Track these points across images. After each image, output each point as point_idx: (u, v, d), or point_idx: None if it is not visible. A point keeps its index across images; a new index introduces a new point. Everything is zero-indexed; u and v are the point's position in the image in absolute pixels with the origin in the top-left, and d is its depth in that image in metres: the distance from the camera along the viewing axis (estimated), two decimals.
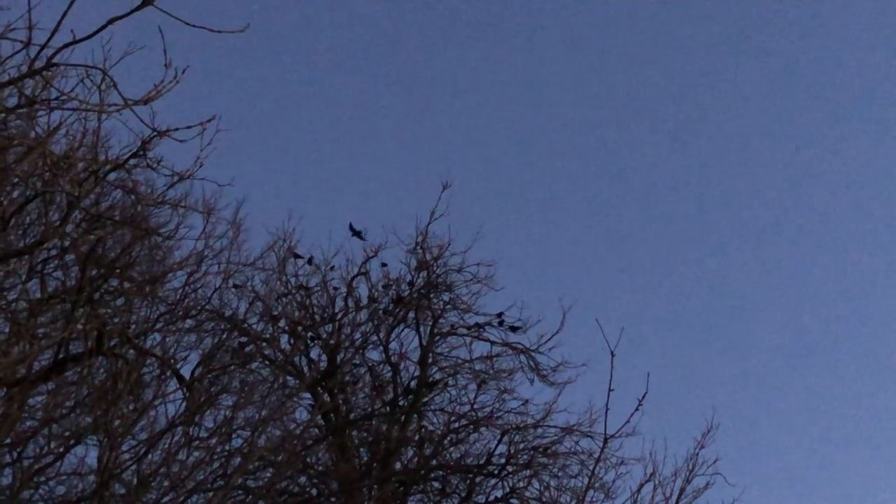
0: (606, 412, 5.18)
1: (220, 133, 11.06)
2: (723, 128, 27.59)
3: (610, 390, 5.24)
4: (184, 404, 11.59)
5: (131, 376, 10.74)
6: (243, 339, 15.28)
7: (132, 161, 11.07)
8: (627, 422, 5.30)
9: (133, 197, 11.27)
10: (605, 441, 5.27)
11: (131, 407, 11.28)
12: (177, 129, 7.21)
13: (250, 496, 14.60)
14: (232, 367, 12.91)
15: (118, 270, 11.19)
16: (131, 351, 11.45)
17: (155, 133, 10.33)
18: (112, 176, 11.60)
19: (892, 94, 27.91)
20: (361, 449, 16.07)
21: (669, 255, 25.70)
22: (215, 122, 9.83)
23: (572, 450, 15.90)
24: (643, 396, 5.31)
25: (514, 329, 16.28)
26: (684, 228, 26.40)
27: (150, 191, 11.48)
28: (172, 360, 11.85)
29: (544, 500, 15.80)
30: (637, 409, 5.30)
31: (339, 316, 16.32)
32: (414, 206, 17.07)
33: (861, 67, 27.22)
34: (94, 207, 11.18)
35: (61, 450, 12.21)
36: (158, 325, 12.65)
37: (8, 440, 11.67)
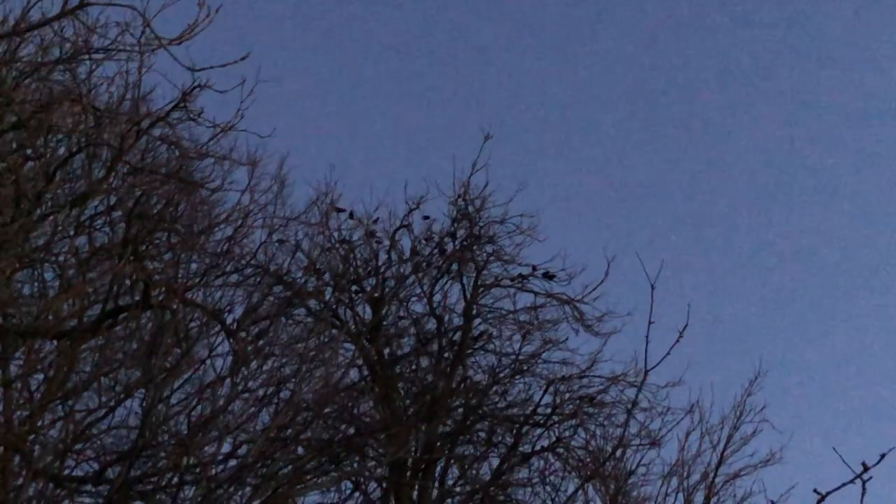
0: (647, 343, 5.16)
1: (260, 84, 11.18)
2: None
3: (650, 322, 5.23)
4: (230, 356, 11.70)
5: (178, 328, 10.84)
6: (287, 293, 15.35)
7: (174, 114, 11.12)
8: (668, 354, 5.27)
9: (177, 150, 11.30)
10: (646, 372, 5.25)
11: (178, 358, 11.40)
12: (212, 68, 7.20)
13: (298, 446, 14.76)
14: (277, 316, 12.94)
15: (164, 224, 11.24)
16: (178, 303, 11.52)
17: (195, 83, 10.43)
18: (155, 132, 11.71)
19: None
20: (407, 400, 16.14)
21: (715, 205, 25.50)
22: (254, 72, 9.87)
23: (618, 399, 15.92)
24: (684, 328, 5.29)
25: (549, 277, 16.23)
26: (732, 179, 26.18)
27: (194, 145, 11.51)
28: (219, 312, 11.92)
29: (590, 448, 15.85)
30: (678, 341, 5.28)
31: (382, 269, 16.33)
32: (456, 157, 16.89)
33: None
34: (138, 161, 11.25)
35: (112, 403, 12.38)
36: (204, 279, 12.73)
37: (59, 395, 11.83)
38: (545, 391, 16.23)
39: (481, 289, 16.54)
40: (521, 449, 16.09)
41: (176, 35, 6.93)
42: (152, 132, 11.23)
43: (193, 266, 12.46)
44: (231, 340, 11.79)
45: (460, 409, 16.24)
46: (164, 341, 11.13)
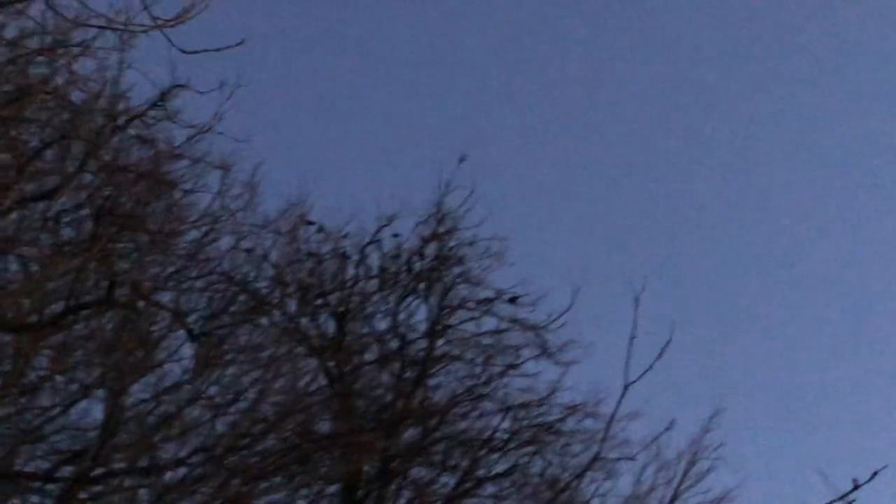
0: (628, 359, 5.16)
1: (240, 89, 11.16)
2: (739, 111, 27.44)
3: (633, 338, 5.23)
4: (192, 361, 11.57)
5: (141, 328, 10.71)
6: (252, 303, 15.24)
7: (151, 113, 11.07)
8: (650, 368, 5.26)
9: (151, 149, 11.21)
10: (626, 387, 5.23)
11: (140, 359, 11.27)
12: (206, 51, 7.14)
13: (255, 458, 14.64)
14: (240, 324, 12.83)
15: (133, 223, 11.13)
16: (142, 303, 11.41)
17: (174, 82, 10.37)
18: (131, 130, 11.61)
19: None
20: (365, 417, 16.03)
21: (682, 237, 25.55)
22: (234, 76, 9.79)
23: (576, 429, 15.91)
24: (666, 344, 5.30)
25: (513, 301, 16.22)
26: (699, 213, 26.30)
27: (169, 145, 11.42)
28: (183, 314, 11.80)
29: (546, 477, 15.80)
30: (660, 357, 5.28)
31: (348, 284, 16.25)
32: (430, 177, 16.85)
33: None
34: (112, 159, 11.14)
35: (68, 402, 12.21)
36: (170, 283, 12.61)
37: (14, 389, 11.66)
38: (504, 416, 16.21)
39: (446, 310, 16.49)
40: (476, 473, 16.05)
41: (171, 17, 6.86)
42: (128, 130, 11.14)
43: (160, 268, 12.32)
44: (194, 344, 11.68)
45: (418, 429, 16.16)
46: (126, 341, 11.01)
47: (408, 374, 16.27)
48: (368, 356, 16.36)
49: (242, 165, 12.36)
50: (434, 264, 16.45)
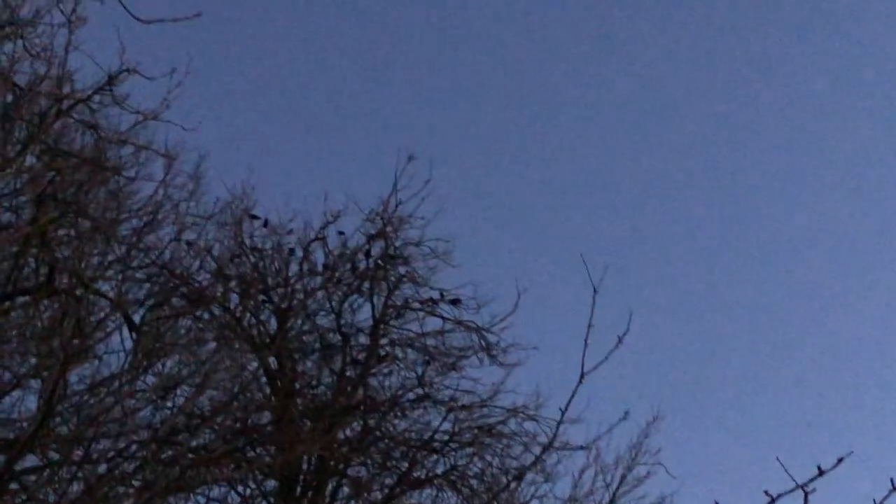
0: (585, 346, 5.11)
1: (188, 77, 11.01)
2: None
3: (590, 326, 5.19)
4: (131, 351, 11.38)
5: (80, 316, 10.51)
6: (193, 296, 15.07)
7: (97, 98, 10.88)
8: (606, 359, 5.23)
9: (95, 134, 11.02)
10: (582, 377, 5.18)
11: (77, 348, 11.04)
12: (162, 21, 7.01)
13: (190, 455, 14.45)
14: (180, 316, 12.65)
15: (75, 209, 10.93)
16: (82, 291, 11.20)
17: (122, 67, 10.20)
18: (77, 115, 11.40)
19: None
20: (305, 415, 15.90)
21: (626, 247, 25.72)
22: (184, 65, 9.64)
23: (517, 431, 15.88)
24: (624, 334, 5.25)
25: (455, 303, 16.17)
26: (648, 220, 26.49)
27: (114, 131, 11.23)
28: (123, 303, 11.61)
29: (486, 479, 15.75)
30: (617, 346, 5.24)
31: (292, 280, 16.12)
32: (377, 175, 16.74)
33: None
34: (54, 143, 10.94)
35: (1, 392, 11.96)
36: (110, 272, 12.42)
37: None
38: (444, 417, 16.16)
39: (391, 309, 16.41)
40: (415, 474, 15.96)
41: None
42: (72, 114, 10.94)
43: (101, 257, 12.11)
44: (133, 334, 11.48)
45: (358, 428, 16.06)
46: (64, 329, 10.79)
47: (349, 373, 16.18)
48: (310, 353, 16.25)
49: (188, 155, 12.17)
50: (379, 263, 16.36)
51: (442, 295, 16.40)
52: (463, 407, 16.15)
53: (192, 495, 14.12)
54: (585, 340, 5.13)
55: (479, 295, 16.24)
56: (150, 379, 12.35)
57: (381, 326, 16.26)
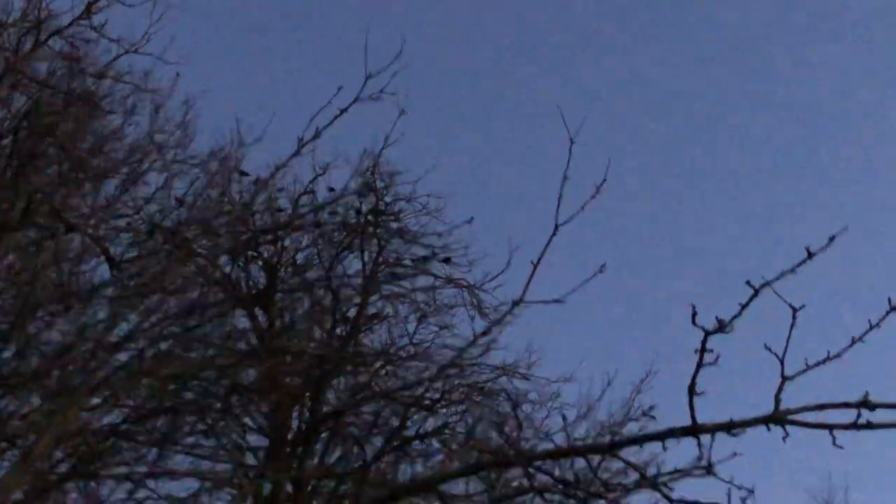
0: (559, 200, 4.95)
1: (171, 10, 10.83)
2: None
3: (565, 178, 5.03)
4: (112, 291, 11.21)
5: (58, 248, 10.34)
6: (179, 251, 14.91)
7: (76, 28, 10.72)
8: (581, 209, 5.06)
9: (74, 65, 10.85)
10: (556, 228, 5.02)
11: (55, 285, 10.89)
12: None
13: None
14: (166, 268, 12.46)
15: (55, 139, 10.75)
16: (60, 226, 11.04)
17: None
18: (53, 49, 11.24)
19: None
20: (294, 372, 15.73)
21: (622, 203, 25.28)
22: None
23: (508, 389, 15.69)
24: (601, 183, 5.09)
25: (446, 261, 16.00)
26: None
27: (93, 63, 11.06)
28: (103, 240, 11.43)
29: (475, 436, 15.57)
30: (594, 197, 5.07)
31: (281, 235, 15.94)
32: (369, 128, 16.48)
33: None
34: (32, 73, 10.78)
35: None
36: (91, 213, 12.24)
37: None
38: (435, 375, 15.98)
39: (382, 266, 16.24)
40: (405, 433, 15.80)
41: None
42: (50, 44, 10.78)
43: (81, 197, 11.94)
44: (115, 272, 11.31)
45: (348, 387, 15.90)
46: (41, 264, 10.63)
47: (339, 330, 16.02)
48: (300, 309, 16.08)
49: (173, 94, 11.95)
50: (369, 219, 16.18)
51: (434, 253, 16.24)
52: (453, 365, 15.98)
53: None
54: (560, 192, 4.98)
55: (471, 253, 16.08)
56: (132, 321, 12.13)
57: (372, 283, 16.11)
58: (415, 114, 16.10)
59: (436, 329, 16.07)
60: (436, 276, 16.24)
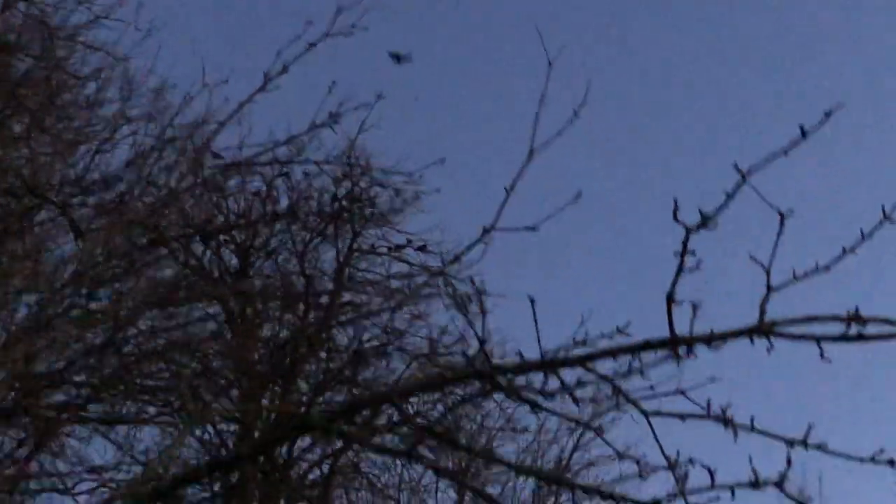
0: (536, 121, 4.76)
1: None
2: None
3: (541, 99, 4.85)
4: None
5: (23, 216, 10.08)
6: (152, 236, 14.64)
7: None
8: (559, 134, 4.87)
9: (43, 30, 10.60)
10: (531, 153, 4.82)
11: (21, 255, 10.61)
12: None
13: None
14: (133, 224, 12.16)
15: (18, 103, 10.48)
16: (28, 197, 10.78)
17: None
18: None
19: None
20: (265, 360, 15.52)
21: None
22: None
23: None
24: (580, 106, 4.90)
25: (422, 249, 15.79)
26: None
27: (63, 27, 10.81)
28: (68, 207, 11.16)
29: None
30: (572, 121, 4.89)
31: (254, 220, 15.70)
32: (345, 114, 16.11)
33: None
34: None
35: None
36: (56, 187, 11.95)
37: None
38: (408, 366, 15.81)
39: (356, 253, 16.05)
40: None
41: None
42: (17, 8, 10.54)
43: (49, 168, 11.66)
44: (79, 242, 11.04)
45: (320, 374, 15.69)
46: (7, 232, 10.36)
47: (312, 318, 15.80)
48: (272, 296, 15.84)
49: (146, 68, 11.65)
50: (344, 205, 15.95)
51: (409, 241, 16.03)
52: (426, 355, 15.78)
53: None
54: (536, 114, 4.81)
55: (447, 241, 15.86)
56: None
57: (346, 270, 15.91)
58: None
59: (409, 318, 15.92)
60: (410, 264, 16.07)
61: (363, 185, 15.89)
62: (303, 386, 15.57)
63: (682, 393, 4.38)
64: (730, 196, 4.09)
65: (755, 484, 4.26)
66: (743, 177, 4.07)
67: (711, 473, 4.30)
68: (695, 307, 4.25)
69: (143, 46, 11.09)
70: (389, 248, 16.12)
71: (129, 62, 11.35)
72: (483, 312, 4.99)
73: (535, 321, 4.74)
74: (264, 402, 14.80)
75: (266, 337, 15.74)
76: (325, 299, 15.90)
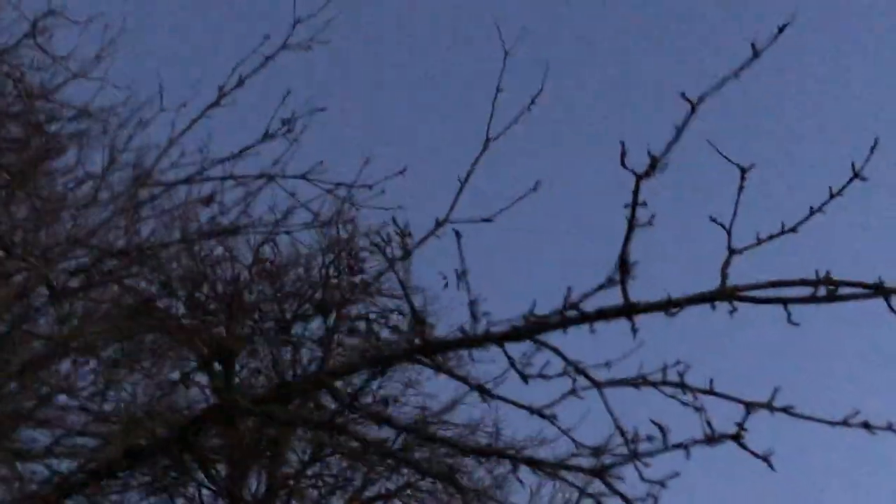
0: (493, 111, 4.69)
1: (123, 32, 10.64)
2: None
3: (498, 90, 4.76)
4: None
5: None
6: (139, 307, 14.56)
7: (22, 50, 10.52)
8: (515, 121, 4.79)
9: (21, 86, 10.60)
10: (487, 142, 4.74)
11: None
12: None
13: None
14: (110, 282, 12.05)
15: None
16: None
17: (48, 9, 9.86)
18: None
19: None
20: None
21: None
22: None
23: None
24: (537, 94, 4.83)
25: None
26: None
27: (41, 87, 10.81)
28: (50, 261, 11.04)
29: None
30: (528, 108, 4.82)
31: (241, 287, 15.63)
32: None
33: None
34: None
35: None
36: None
37: None
38: (397, 437, 15.58)
39: (343, 321, 15.97)
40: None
41: None
42: None
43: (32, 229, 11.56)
44: (54, 302, 10.92)
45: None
46: None
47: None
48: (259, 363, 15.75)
49: (125, 120, 11.59)
50: (331, 273, 15.87)
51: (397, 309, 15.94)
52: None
53: None
54: (493, 104, 4.75)
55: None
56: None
57: (334, 337, 15.79)
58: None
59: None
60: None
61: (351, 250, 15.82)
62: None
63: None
64: (680, 130, 3.95)
65: (711, 439, 4.09)
66: (692, 106, 3.94)
67: (663, 430, 4.12)
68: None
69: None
70: (377, 315, 16.05)
71: (108, 122, 11.28)
72: (406, 253, 4.80)
73: (460, 251, 4.52)
74: None
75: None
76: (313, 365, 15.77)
